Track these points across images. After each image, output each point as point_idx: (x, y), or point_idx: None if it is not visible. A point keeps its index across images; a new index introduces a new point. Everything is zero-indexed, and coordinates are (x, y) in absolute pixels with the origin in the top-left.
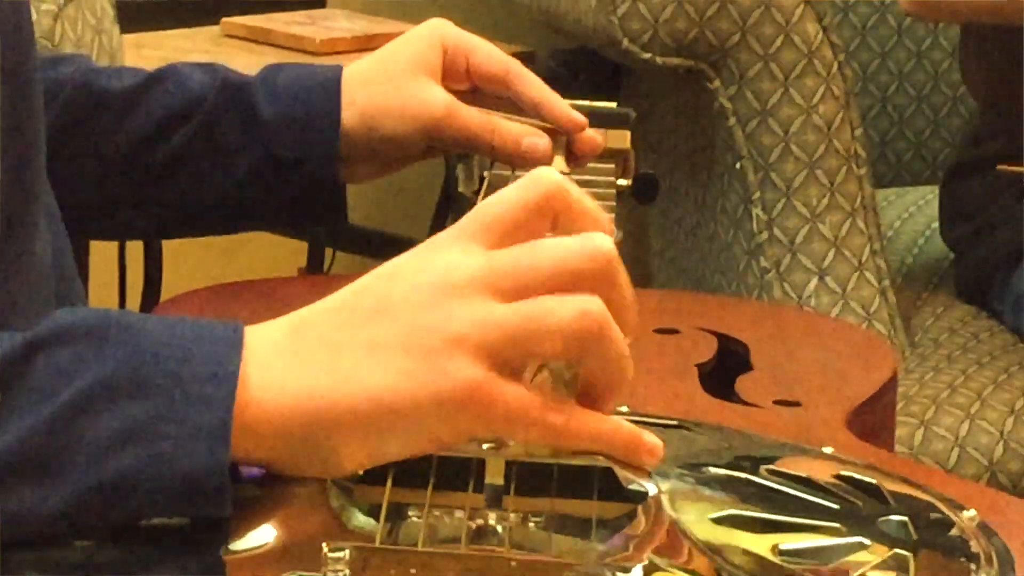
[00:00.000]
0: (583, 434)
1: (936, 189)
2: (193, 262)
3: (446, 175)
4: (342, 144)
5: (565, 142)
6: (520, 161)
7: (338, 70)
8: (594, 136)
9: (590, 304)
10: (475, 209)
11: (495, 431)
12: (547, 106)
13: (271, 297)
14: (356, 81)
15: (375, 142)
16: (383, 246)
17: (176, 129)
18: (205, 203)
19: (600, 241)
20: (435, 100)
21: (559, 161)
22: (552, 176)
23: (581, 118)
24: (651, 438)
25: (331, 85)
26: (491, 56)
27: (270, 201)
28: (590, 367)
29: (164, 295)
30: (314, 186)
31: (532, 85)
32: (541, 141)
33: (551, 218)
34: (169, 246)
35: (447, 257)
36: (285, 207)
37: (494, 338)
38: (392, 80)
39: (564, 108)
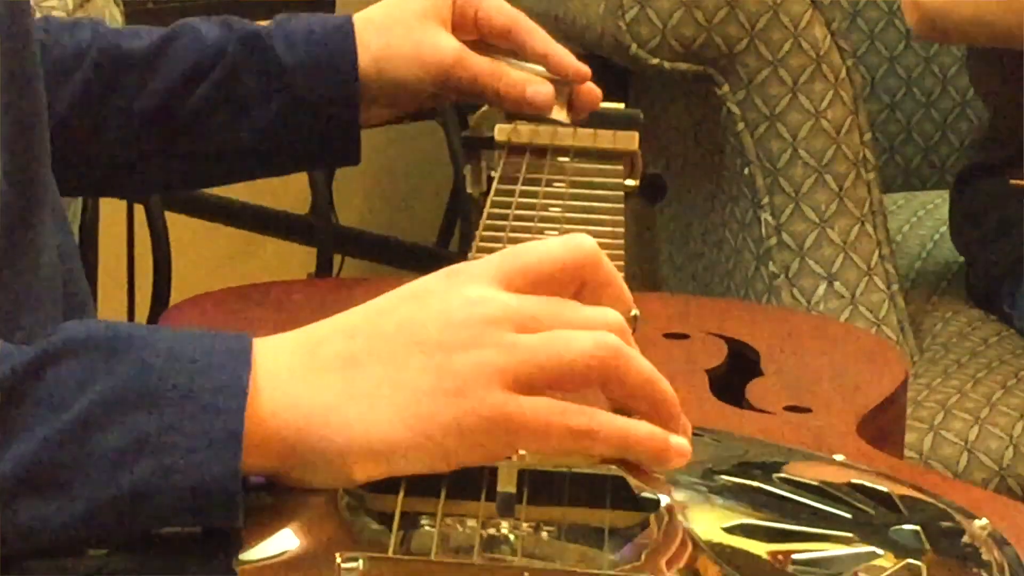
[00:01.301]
0: (607, 436)
1: (945, 194)
2: (202, 267)
3: (455, 182)
4: (359, 87)
5: (568, 94)
6: (524, 108)
7: (348, 17)
8: (594, 88)
9: (605, 336)
10: (508, 251)
11: (517, 446)
12: (552, 57)
13: (280, 301)
14: (369, 26)
15: (387, 86)
16: (392, 252)
17: (198, 83)
18: (231, 152)
19: (616, 317)
20: (446, 46)
21: (559, 111)
22: (591, 244)
23: (585, 68)
24: (678, 439)
25: (346, 30)
26: (499, 8)
27: (293, 145)
28: (620, 398)
29: (173, 300)
30: (335, 127)
31: (538, 37)
32: (545, 88)
33: (578, 283)
34: (178, 251)
35: (475, 289)
36: (307, 150)
37: (516, 362)
38: (404, 26)
39: (569, 58)
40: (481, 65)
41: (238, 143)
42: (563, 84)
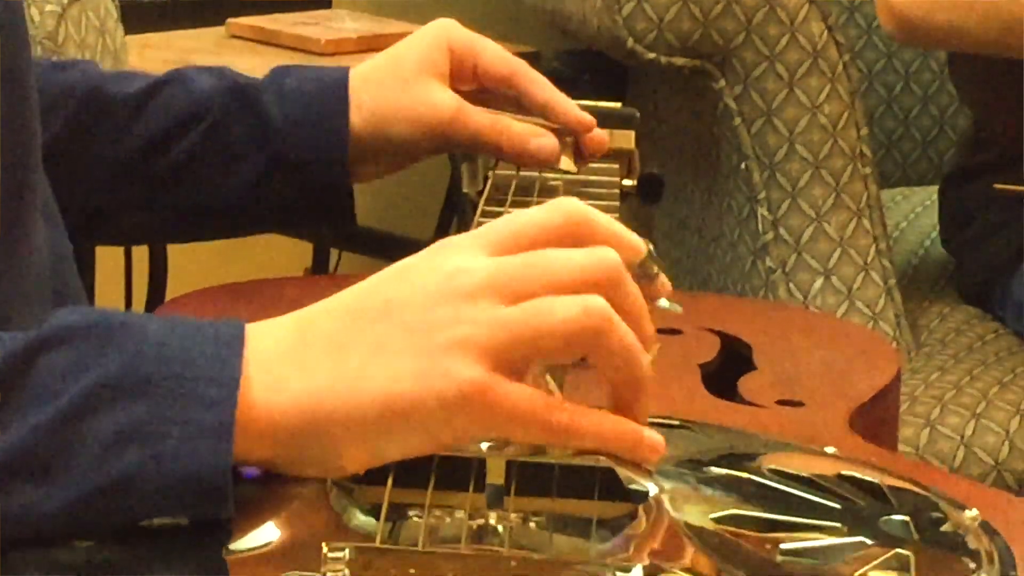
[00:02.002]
0: (585, 432)
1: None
2: (198, 263)
3: (451, 176)
4: (351, 146)
5: (572, 142)
6: (528, 162)
7: (345, 72)
8: (601, 135)
9: (592, 301)
10: (493, 222)
11: (498, 431)
12: (554, 107)
13: (276, 297)
14: (364, 83)
15: (383, 144)
16: (389, 247)
17: (184, 133)
18: (214, 207)
19: (605, 252)
20: (444, 103)
21: (566, 161)
22: (575, 204)
23: (589, 118)
24: (653, 434)
25: (339, 87)
26: (498, 57)
27: (279, 204)
28: (600, 367)
29: (169, 296)
30: (323, 188)
31: (539, 86)
32: (549, 141)
33: (571, 244)
34: (174, 247)
35: (454, 261)
36: (294, 209)
37: (499, 339)
38: (400, 82)
39: (572, 108)
40: (481, 121)
41: (222, 199)
42: (568, 132)
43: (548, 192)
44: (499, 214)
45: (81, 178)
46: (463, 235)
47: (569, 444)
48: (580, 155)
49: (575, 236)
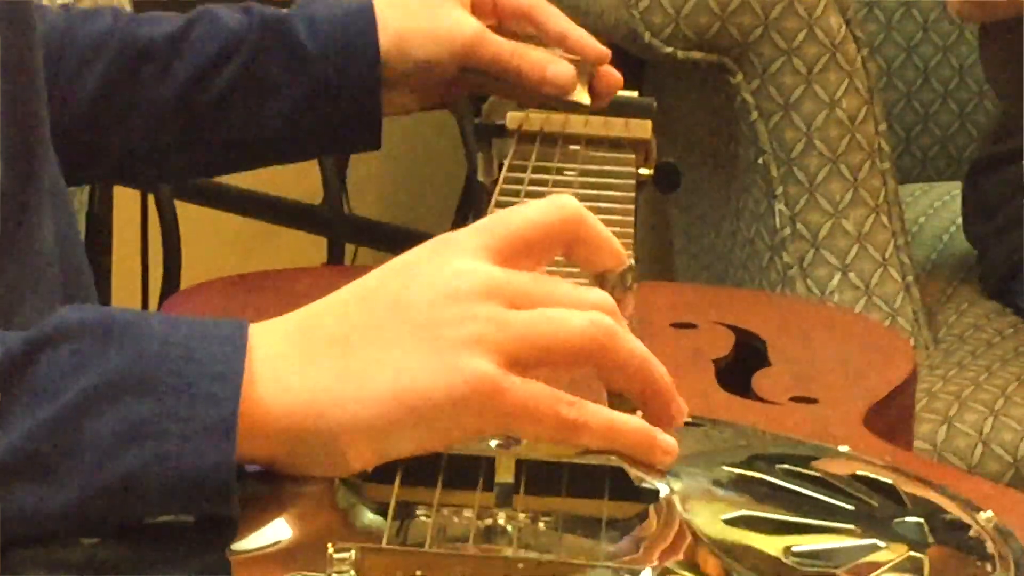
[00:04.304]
0: (596, 429)
1: (961, 185)
2: (213, 257)
3: (468, 171)
4: (381, 70)
5: (588, 76)
6: (545, 88)
7: None
8: (614, 72)
9: (599, 315)
10: (492, 219)
11: (508, 427)
12: (572, 37)
13: (287, 288)
14: (388, 6)
15: (409, 66)
16: (405, 241)
17: (220, 70)
18: (254, 138)
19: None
20: (466, 24)
21: (581, 92)
22: (573, 203)
23: (605, 49)
24: (666, 437)
25: (366, 12)
26: None
27: (315, 131)
28: (613, 380)
29: (183, 287)
30: (357, 112)
31: (557, 18)
32: (566, 68)
33: (564, 244)
34: (190, 240)
35: (462, 261)
36: (329, 136)
37: (508, 337)
38: (423, 4)
39: (588, 39)
40: (501, 44)
41: (261, 129)
42: (583, 65)
43: (563, 183)
44: (513, 204)
45: (123, 124)
46: (461, 232)
47: (579, 441)
48: (594, 91)
49: (571, 238)
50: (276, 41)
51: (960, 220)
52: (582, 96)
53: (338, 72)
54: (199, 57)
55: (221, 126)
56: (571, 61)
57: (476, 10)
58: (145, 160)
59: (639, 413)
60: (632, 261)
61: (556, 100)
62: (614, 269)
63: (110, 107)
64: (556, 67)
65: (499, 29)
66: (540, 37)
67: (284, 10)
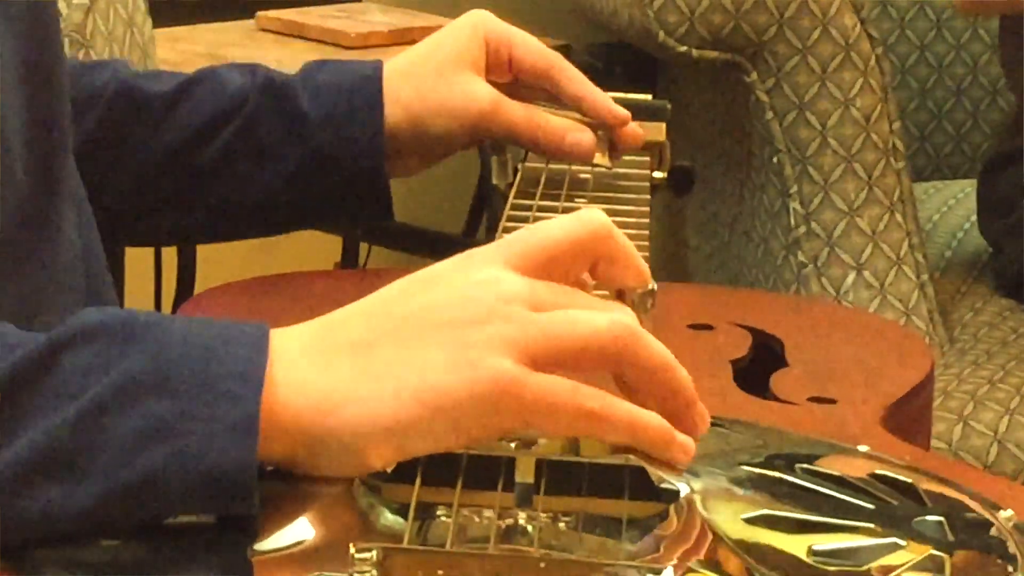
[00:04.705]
0: (616, 422)
1: (975, 183)
2: (227, 258)
3: (481, 170)
4: (387, 140)
5: (606, 136)
6: (564, 157)
7: (379, 65)
8: (636, 129)
9: (621, 316)
10: (519, 234)
11: (528, 422)
12: (590, 101)
13: (304, 291)
14: (399, 76)
15: (418, 138)
16: (419, 242)
17: (218, 131)
18: (249, 204)
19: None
20: (481, 95)
21: (600, 156)
22: (601, 219)
23: (624, 112)
24: (684, 436)
25: (373, 81)
26: (534, 49)
27: (315, 200)
28: (636, 381)
29: (198, 291)
30: (359, 183)
31: (574, 80)
32: (585, 137)
33: (591, 259)
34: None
35: (488, 271)
36: (330, 205)
37: (529, 336)
38: (437, 75)
39: (607, 103)
40: (517, 114)
41: (258, 194)
42: (601, 126)
43: (578, 185)
44: (528, 207)
45: (113, 178)
46: (488, 247)
47: (600, 434)
48: (614, 149)
49: (598, 253)
50: (275, 105)
51: (973, 218)
52: (601, 159)
53: (338, 140)
54: (196, 116)
55: (215, 189)
56: (587, 123)
57: (492, 68)
58: (136, 217)
59: None
60: (654, 285)
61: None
62: (635, 288)
63: (101, 159)
64: (575, 136)
65: (514, 87)
66: (558, 99)
67: (290, 73)
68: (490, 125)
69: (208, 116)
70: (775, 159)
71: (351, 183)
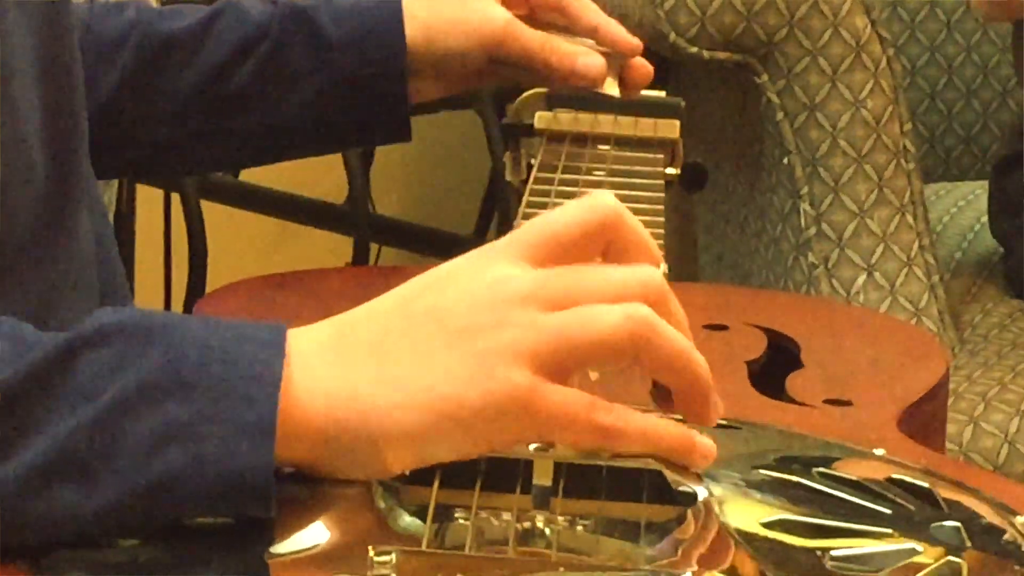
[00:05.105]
0: (633, 434)
1: (985, 184)
2: (238, 256)
3: (492, 170)
4: (407, 59)
5: (619, 68)
6: (575, 80)
7: None
8: (646, 64)
9: (636, 308)
10: (530, 223)
11: (544, 434)
12: (603, 29)
13: (315, 289)
14: None
15: (438, 57)
16: (429, 241)
17: (244, 60)
18: (277, 129)
19: (650, 272)
20: (495, 15)
21: (611, 84)
22: (610, 202)
23: (637, 41)
24: (704, 440)
25: (392, 1)
26: None
27: (340, 121)
28: (655, 374)
29: (209, 289)
30: (383, 103)
31: (589, 9)
32: (596, 60)
33: (603, 244)
34: (214, 239)
35: (500, 269)
36: (355, 127)
37: (544, 343)
38: None
39: (620, 31)
40: (531, 36)
41: (285, 120)
42: (614, 58)
43: (592, 183)
44: (543, 204)
45: (147, 116)
46: (500, 241)
47: (616, 447)
48: (624, 83)
49: (609, 238)
50: (299, 31)
51: (984, 219)
52: (612, 88)
53: (362, 61)
54: (222, 48)
55: (244, 116)
56: (602, 53)
57: (508, 0)
58: (168, 152)
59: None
60: (666, 268)
61: (585, 90)
62: None
63: (133, 100)
64: (586, 59)
65: (530, 19)
66: (572, 28)
67: (311, 1)
68: (505, 46)
69: (233, 46)
70: (785, 160)
71: (375, 104)
